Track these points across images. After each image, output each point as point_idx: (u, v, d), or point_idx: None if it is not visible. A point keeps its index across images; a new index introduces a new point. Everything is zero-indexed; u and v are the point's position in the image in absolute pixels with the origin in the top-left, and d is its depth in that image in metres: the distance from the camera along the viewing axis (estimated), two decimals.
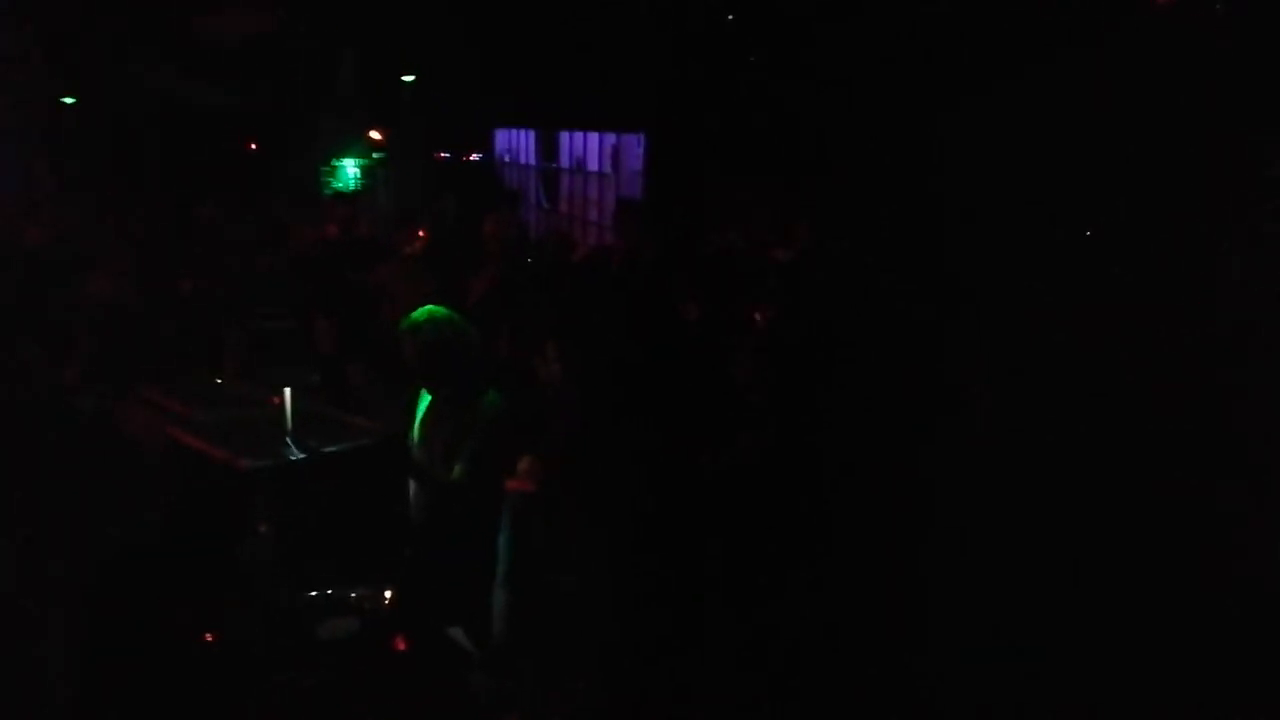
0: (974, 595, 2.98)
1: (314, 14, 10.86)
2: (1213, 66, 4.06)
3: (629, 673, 3.31)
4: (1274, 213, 3.68)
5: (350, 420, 4.27)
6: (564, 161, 11.79)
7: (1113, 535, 3.00)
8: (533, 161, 12.69)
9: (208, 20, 10.78)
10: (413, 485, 3.62)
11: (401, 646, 3.19)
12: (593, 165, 11.01)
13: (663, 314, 4.32)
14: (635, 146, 9.90)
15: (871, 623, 3.08)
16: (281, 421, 3.98)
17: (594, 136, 10.87)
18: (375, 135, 12.05)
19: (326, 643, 3.15)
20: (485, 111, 12.21)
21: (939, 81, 5.62)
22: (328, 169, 12.08)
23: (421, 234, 6.25)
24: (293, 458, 3.89)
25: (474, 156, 13.14)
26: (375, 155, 12.30)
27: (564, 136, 11.66)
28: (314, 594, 3.32)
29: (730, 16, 8.25)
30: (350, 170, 12.18)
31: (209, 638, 3.23)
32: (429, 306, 3.55)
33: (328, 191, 11.35)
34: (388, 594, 3.33)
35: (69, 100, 10.92)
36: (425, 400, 3.62)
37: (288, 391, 3.98)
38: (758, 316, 3.92)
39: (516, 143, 13.18)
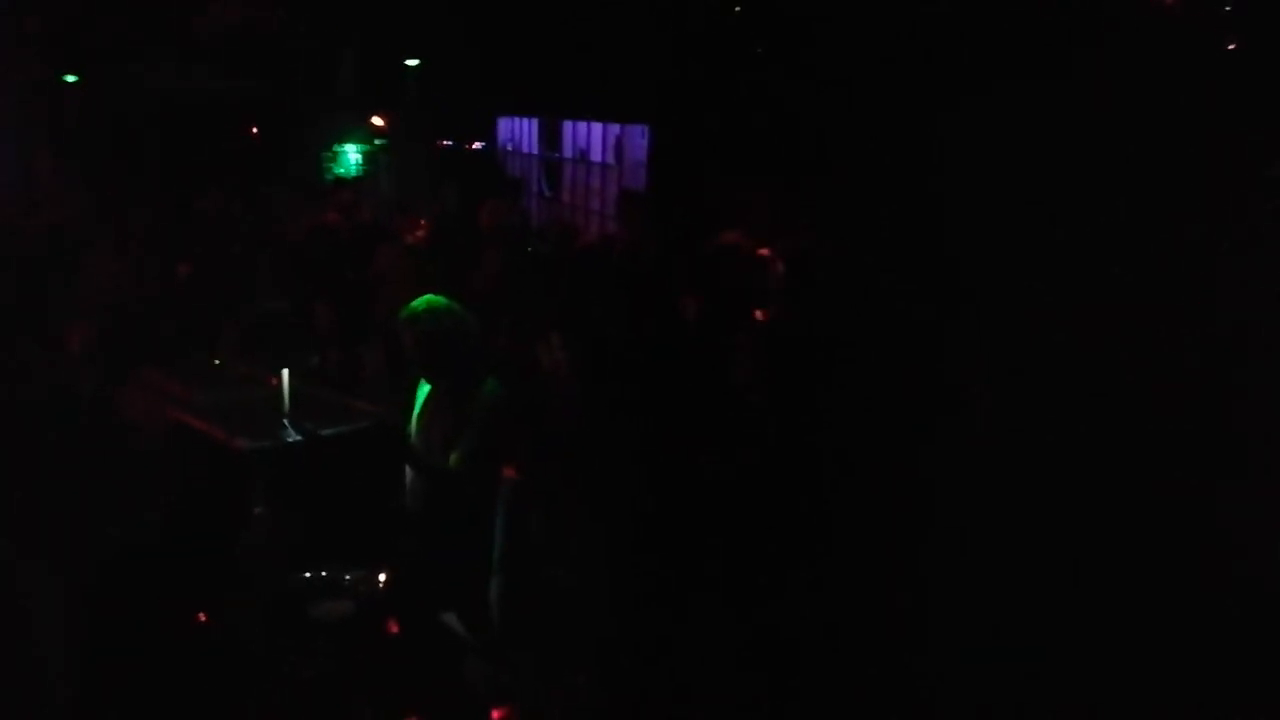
0: (974, 595, 2.98)
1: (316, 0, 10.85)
2: (1213, 66, 4.06)
3: (626, 665, 3.32)
4: (1274, 212, 3.68)
5: (348, 403, 4.28)
6: (567, 151, 11.77)
7: (1113, 535, 3.00)
8: (535, 151, 12.67)
9: (210, 8, 10.76)
10: (410, 473, 3.63)
11: (395, 630, 3.20)
12: (596, 155, 11.00)
13: (661, 311, 4.31)
14: (639, 137, 9.89)
15: (871, 622, 3.09)
16: (279, 403, 3.99)
17: (597, 126, 10.86)
18: (377, 121, 12.02)
19: (321, 625, 3.15)
20: (488, 100, 12.18)
21: (941, 80, 5.61)
22: (329, 155, 12.06)
23: (423, 224, 6.24)
24: (290, 439, 3.90)
25: (476, 145, 13.12)
26: (377, 142, 12.28)
27: (567, 126, 11.64)
28: (309, 575, 3.33)
29: (736, 8, 8.24)
30: (352, 156, 12.16)
31: (204, 618, 3.24)
32: (428, 296, 3.55)
33: (329, 177, 11.33)
34: (382, 576, 3.34)
35: (71, 79, 10.87)
36: (424, 389, 3.62)
37: (285, 373, 3.99)
38: (758, 314, 3.91)
39: (519, 132, 13.16)
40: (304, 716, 2.95)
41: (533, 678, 3.34)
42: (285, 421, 3.95)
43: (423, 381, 3.61)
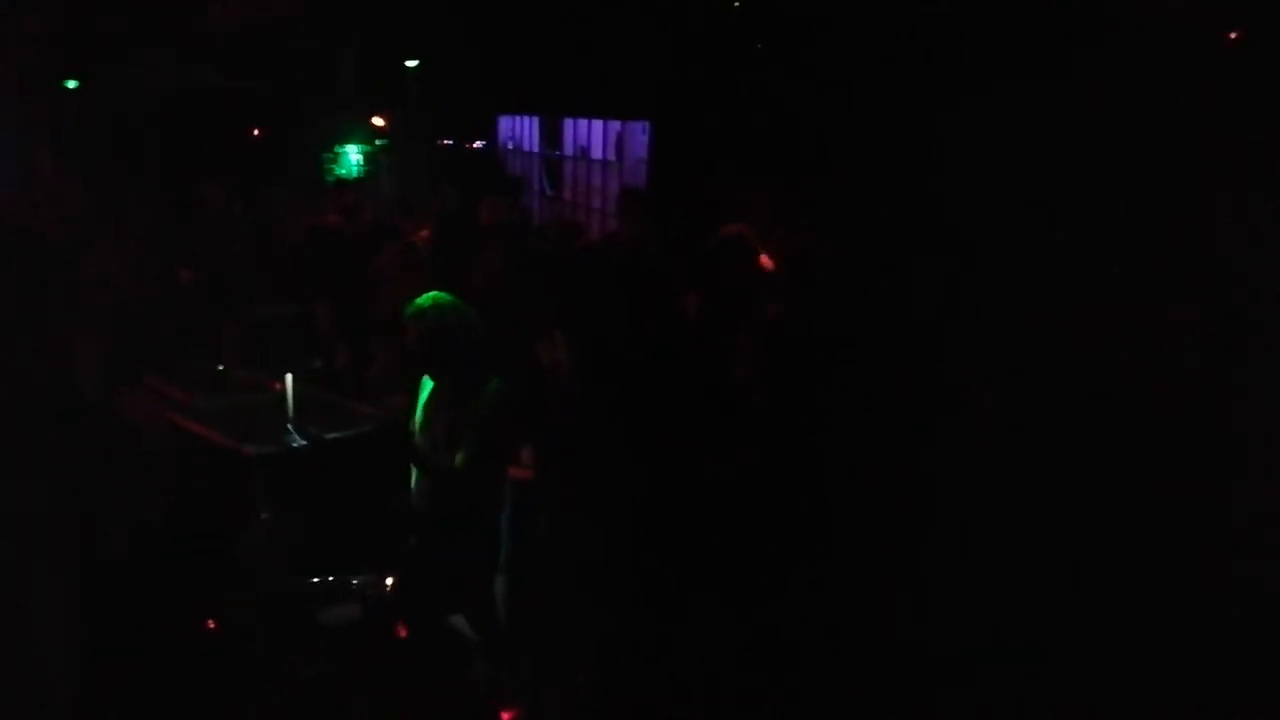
0: (974, 595, 2.99)
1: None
2: (1213, 65, 4.04)
3: (628, 663, 3.33)
4: (1275, 212, 3.66)
5: (352, 407, 4.29)
6: (568, 149, 11.77)
7: (1113, 535, 3.00)
8: (536, 149, 12.67)
9: (210, 7, 10.76)
10: (414, 472, 3.64)
11: (402, 634, 3.21)
12: (597, 153, 10.99)
13: (662, 309, 4.31)
14: (640, 134, 9.88)
15: (871, 622, 3.10)
16: (283, 408, 4.00)
17: (598, 124, 10.85)
18: (378, 122, 12.02)
19: (328, 629, 3.17)
20: (489, 98, 12.17)
21: (941, 78, 5.60)
22: (330, 155, 12.05)
23: (425, 232, 6.24)
24: (294, 444, 3.90)
25: (477, 143, 13.11)
26: (378, 142, 12.27)
27: (568, 124, 11.63)
28: (315, 580, 3.34)
29: (735, 5, 8.23)
30: (353, 157, 12.16)
31: (210, 624, 3.25)
32: (432, 293, 3.54)
33: (330, 179, 11.33)
34: (389, 581, 3.35)
35: (71, 84, 10.89)
36: (428, 386, 3.62)
37: (289, 378, 3.99)
38: (759, 313, 3.91)
39: (520, 130, 13.15)
40: (311, 719, 2.97)
41: (539, 678, 3.35)
42: (289, 426, 3.95)
43: (426, 379, 3.61)
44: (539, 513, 3.87)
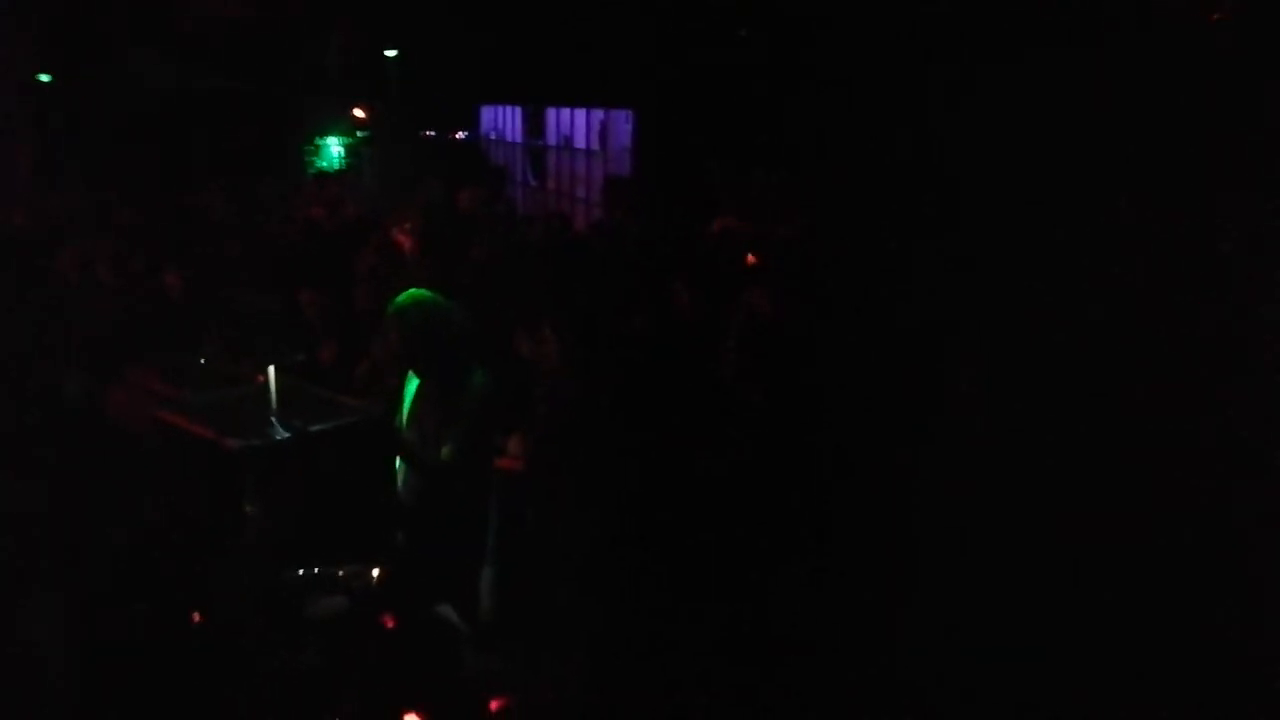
0: (972, 594, 2.99)
1: None
2: (1215, 65, 4.04)
3: (616, 653, 3.33)
4: (1275, 212, 3.67)
5: (336, 399, 4.26)
6: (551, 139, 11.72)
7: (1112, 535, 3.01)
8: (519, 139, 12.61)
9: (190, 3, 10.66)
10: (401, 466, 3.62)
11: (390, 625, 3.20)
12: (580, 142, 10.95)
13: (651, 300, 4.29)
14: (624, 123, 9.85)
15: (864, 617, 3.10)
16: (266, 401, 3.97)
17: (581, 113, 10.81)
18: (359, 113, 11.94)
19: (315, 622, 3.15)
20: (471, 88, 12.11)
21: (932, 65, 5.59)
22: (311, 148, 11.97)
23: (408, 225, 6.21)
24: (278, 437, 3.88)
25: (460, 134, 13.05)
26: (360, 134, 12.20)
27: (551, 113, 11.58)
28: (302, 572, 3.32)
29: None
30: (334, 149, 12.08)
31: (197, 617, 3.23)
32: (413, 289, 3.53)
33: (311, 171, 11.26)
34: (375, 572, 3.34)
35: (45, 78, 10.77)
36: (413, 382, 3.61)
37: (271, 370, 3.97)
38: (746, 304, 3.90)
39: (503, 120, 13.09)
40: (299, 712, 2.95)
41: (528, 668, 3.35)
42: (273, 419, 3.93)
43: (411, 375, 3.60)
44: (527, 503, 3.86)
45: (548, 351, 3.83)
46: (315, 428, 3.94)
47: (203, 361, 4.78)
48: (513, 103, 12.50)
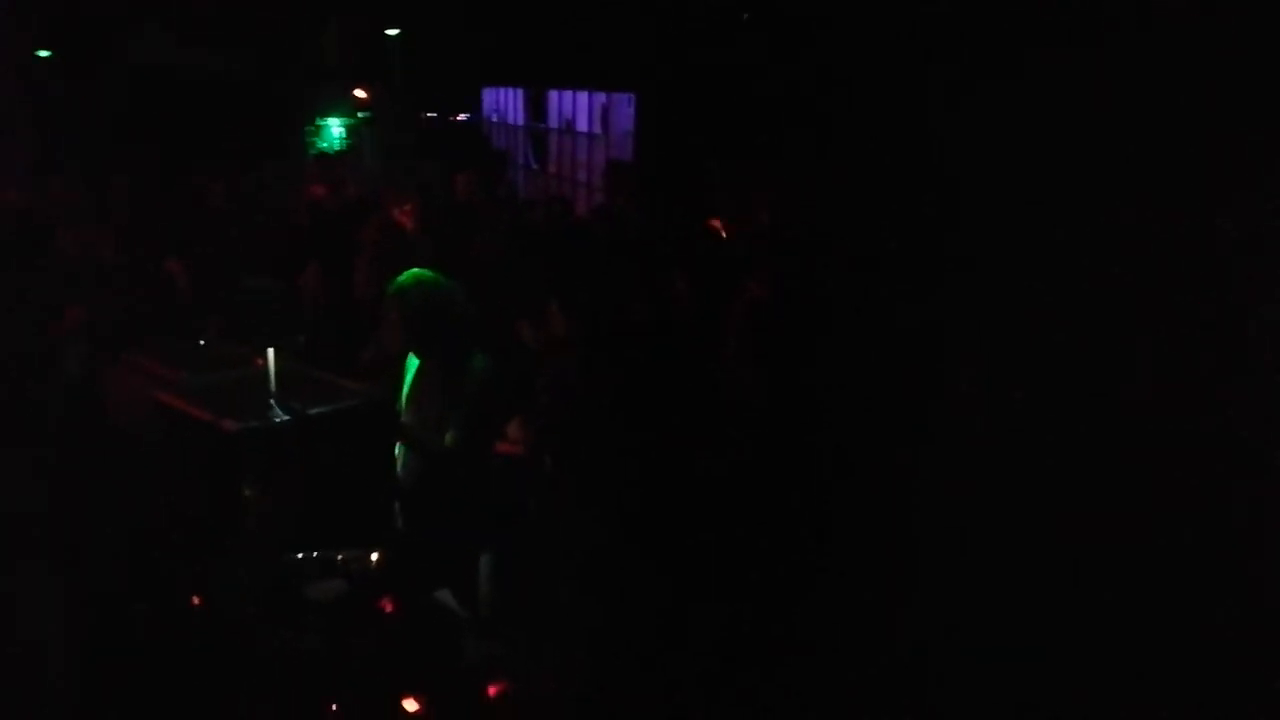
0: (972, 594, 2.98)
1: None
2: (1215, 65, 4.00)
3: (618, 640, 3.32)
4: (1275, 212, 3.65)
5: (336, 381, 4.24)
6: (553, 122, 11.66)
7: (1112, 535, 2.99)
8: (521, 121, 12.55)
9: None
10: (401, 450, 3.60)
11: (390, 609, 3.19)
12: (582, 125, 10.89)
13: (650, 288, 4.27)
14: (626, 106, 9.79)
15: (862, 613, 3.09)
16: (266, 383, 3.95)
17: (583, 96, 10.74)
18: (360, 94, 11.87)
19: (314, 606, 3.14)
20: (472, 70, 12.04)
21: (934, 53, 5.55)
22: (312, 129, 11.91)
23: (408, 207, 6.17)
24: (278, 419, 3.86)
25: (461, 117, 12.98)
26: (360, 115, 12.13)
27: (553, 96, 11.52)
28: (301, 556, 3.31)
29: None
30: (335, 130, 12.02)
31: (196, 600, 3.22)
32: (415, 270, 3.50)
33: (312, 152, 11.20)
34: (375, 556, 3.33)
35: (44, 54, 10.70)
36: (414, 364, 3.58)
37: (271, 353, 3.94)
38: (743, 291, 3.88)
39: (504, 102, 13.02)
40: (297, 697, 2.95)
41: (527, 654, 3.34)
42: (272, 401, 3.91)
43: (412, 356, 3.58)
44: (527, 490, 3.85)
45: (554, 330, 3.80)
46: (315, 410, 3.92)
47: (202, 343, 4.76)
48: (514, 85, 12.43)
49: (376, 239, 5.09)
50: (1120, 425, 3.17)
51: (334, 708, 2.88)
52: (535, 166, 12.18)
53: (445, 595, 3.30)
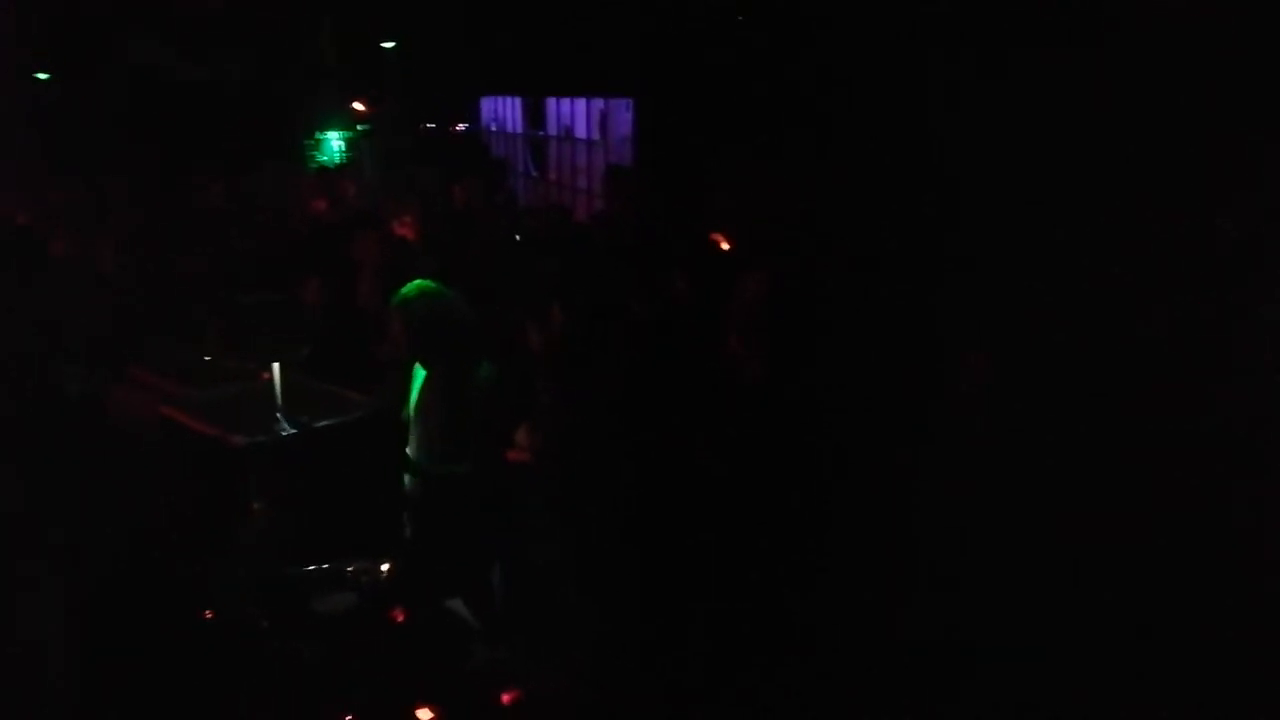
0: (972, 594, 2.98)
1: None
2: (1217, 64, 4.00)
3: (627, 646, 3.32)
4: (1275, 212, 3.65)
5: (341, 394, 4.25)
6: (551, 129, 11.68)
7: (1112, 535, 2.99)
8: (520, 129, 12.57)
9: None
10: (408, 459, 3.61)
11: (400, 620, 3.19)
12: (581, 132, 10.90)
13: (651, 290, 4.27)
14: (624, 112, 9.81)
15: (864, 611, 3.09)
16: (272, 397, 3.96)
17: (582, 103, 10.76)
18: (359, 107, 11.90)
19: (324, 617, 3.14)
20: (470, 79, 12.06)
21: (934, 52, 5.55)
22: (311, 142, 11.94)
23: (408, 218, 6.19)
24: (284, 433, 3.87)
25: (460, 127, 13.01)
26: (360, 127, 12.16)
27: (551, 103, 11.54)
28: (310, 568, 3.32)
29: None
30: (335, 143, 12.04)
31: (205, 614, 3.23)
32: (418, 281, 3.51)
33: (312, 165, 11.23)
34: (384, 567, 3.33)
35: (42, 76, 10.75)
36: (419, 375, 3.59)
37: (276, 367, 3.96)
38: (744, 289, 3.88)
39: (503, 111, 13.05)
40: (309, 709, 2.95)
41: (537, 661, 3.34)
42: (278, 415, 3.92)
43: (418, 367, 3.58)
44: (536, 496, 3.85)
45: (556, 333, 3.81)
46: (321, 423, 3.94)
47: (206, 358, 4.77)
48: (513, 93, 12.46)
49: (379, 252, 5.11)
50: (1120, 424, 3.17)
51: (346, 718, 2.88)
52: (535, 174, 12.19)
53: (455, 604, 3.30)
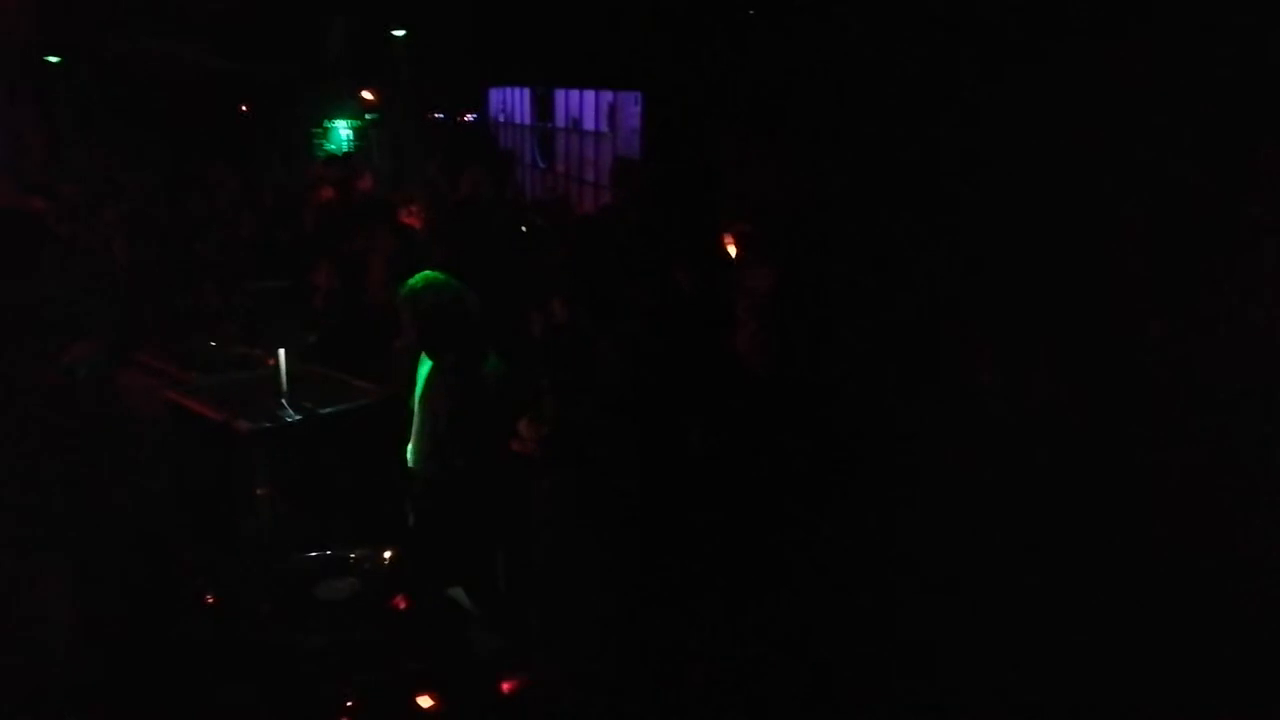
0: (974, 594, 2.98)
1: None
2: (1223, 63, 3.97)
3: (629, 634, 3.33)
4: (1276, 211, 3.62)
5: (347, 381, 4.27)
6: (560, 121, 11.66)
7: (1114, 534, 2.98)
8: (528, 121, 12.56)
9: None
10: (412, 448, 3.62)
11: (402, 607, 3.21)
12: (589, 124, 10.89)
13: (658, 283, 4.27)
14: (633, 105, 9.79)
15: (871, 617, 3.09)
16: (277, 383, 3.98)
17: (590, 95, 10.74)
18: (367, 96, 11.90)
19: (326, 604, 3.16)
20: (478, 70, 12.05)
21: (943, 42, 5.53)
22: (319, 131, 11.95)
23: (415, 207, 6.20)
24: (289, 419, 3.89)
25: (468, 117, 13.00)
26: (368, 116, 12.16)
27: (559, 95, 11.52)
28: (313, 554, 3.33)
29: None
30: (343, 132, 12.05)
31: (209, 599, 3.25)
32: (426, 272, 3.51)
33: (319, 154, 11.25)
34: (387, 554, 3.34)
35: (54, 60, 10.75)
36: (425, 365, 3.60)
37: (282, 353, 3.97)
38: (752, 280, 3.87)
39: (511, 102, 13.03)
40: (310, 695, 2.96)
41: (539, 649, 3.35)
42: (283, 401, 3.94)
43: (424, 358, 3.59)
44: (538, 486, 3.86)
45: (556, 325, 3.82)
46: (326, 410, 3.95)
47: (213, 344, 4.79)
48: (521, 84, 12.44)
49: (388, 241, 5.12)
50: (1122, 424, 3.16)
51: (348, 705, 2.90)
52: (543, 166, 12.18)
53: (457, 592, 3.32)
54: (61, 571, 3.55)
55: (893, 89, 5.89)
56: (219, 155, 8.10)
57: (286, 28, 11.05)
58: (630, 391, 3.60)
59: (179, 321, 5.12)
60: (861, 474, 3.26)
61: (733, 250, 4.90)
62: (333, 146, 11.88)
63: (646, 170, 8.10)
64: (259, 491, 3.82)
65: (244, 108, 11.89)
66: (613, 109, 10.25)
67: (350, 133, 12.09)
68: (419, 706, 2.90)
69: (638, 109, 9.62)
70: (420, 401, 3.56)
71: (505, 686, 3.07)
